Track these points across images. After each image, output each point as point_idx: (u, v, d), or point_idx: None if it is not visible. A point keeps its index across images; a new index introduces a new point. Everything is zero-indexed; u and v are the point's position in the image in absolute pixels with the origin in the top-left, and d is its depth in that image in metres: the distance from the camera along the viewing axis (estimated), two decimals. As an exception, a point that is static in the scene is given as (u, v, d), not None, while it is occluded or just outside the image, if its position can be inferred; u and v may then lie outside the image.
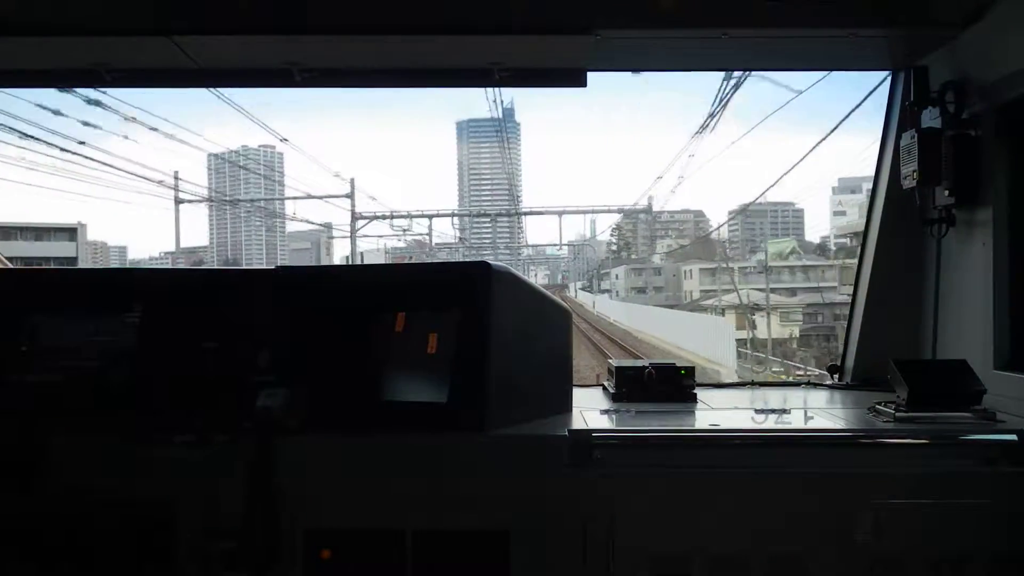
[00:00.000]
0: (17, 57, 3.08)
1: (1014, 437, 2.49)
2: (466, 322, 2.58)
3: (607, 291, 73.03)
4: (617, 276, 77.63)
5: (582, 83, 3.17)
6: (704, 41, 2.99)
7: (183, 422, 2.53)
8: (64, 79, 3.33)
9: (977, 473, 2.48)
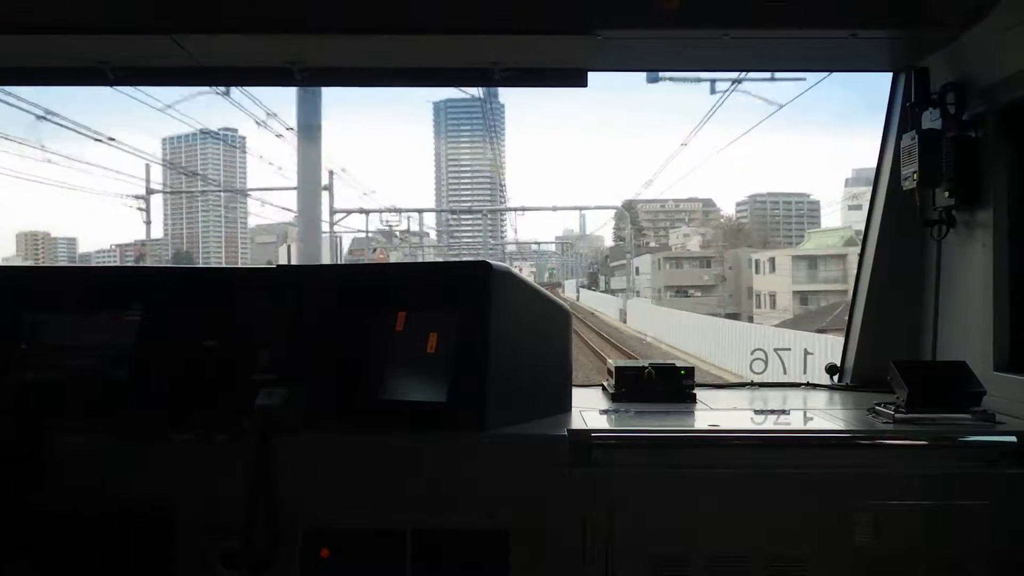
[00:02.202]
0: (20, 55, 3.09)
1: (1014, 439, 2.49)
2: (466, 322, 2.58)
3: (620, 290, 54.26)
4: (638, 270, 55.01)
5: (582, 83, 3.17)
6: (705, 42, 2.98)
7: (183, 421, 2.53)
8: (67, 77, 3.34)
9: (976, 474, 2.48)
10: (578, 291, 62.23)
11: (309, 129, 14.23)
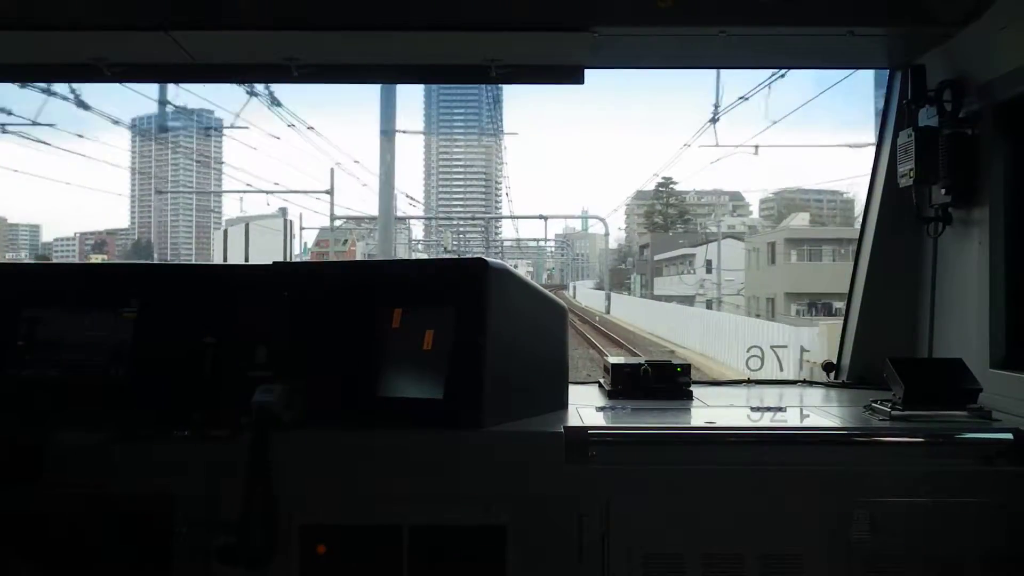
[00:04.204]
0: (16, 52, 3.08)
1: (1010, 436, 2.50)
2: (463, 319, 2.58)
3: (686, 296, 37.49)
4: (710, 265, 34.95)
5: (579, 80, 3.17)
6: (702, 39, 2.99)
7: (181, 418, 2.53)
8: (63, 74, 3.34)
9: (973, 471, 2.48)
10: (608, 299, 40.01)
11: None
